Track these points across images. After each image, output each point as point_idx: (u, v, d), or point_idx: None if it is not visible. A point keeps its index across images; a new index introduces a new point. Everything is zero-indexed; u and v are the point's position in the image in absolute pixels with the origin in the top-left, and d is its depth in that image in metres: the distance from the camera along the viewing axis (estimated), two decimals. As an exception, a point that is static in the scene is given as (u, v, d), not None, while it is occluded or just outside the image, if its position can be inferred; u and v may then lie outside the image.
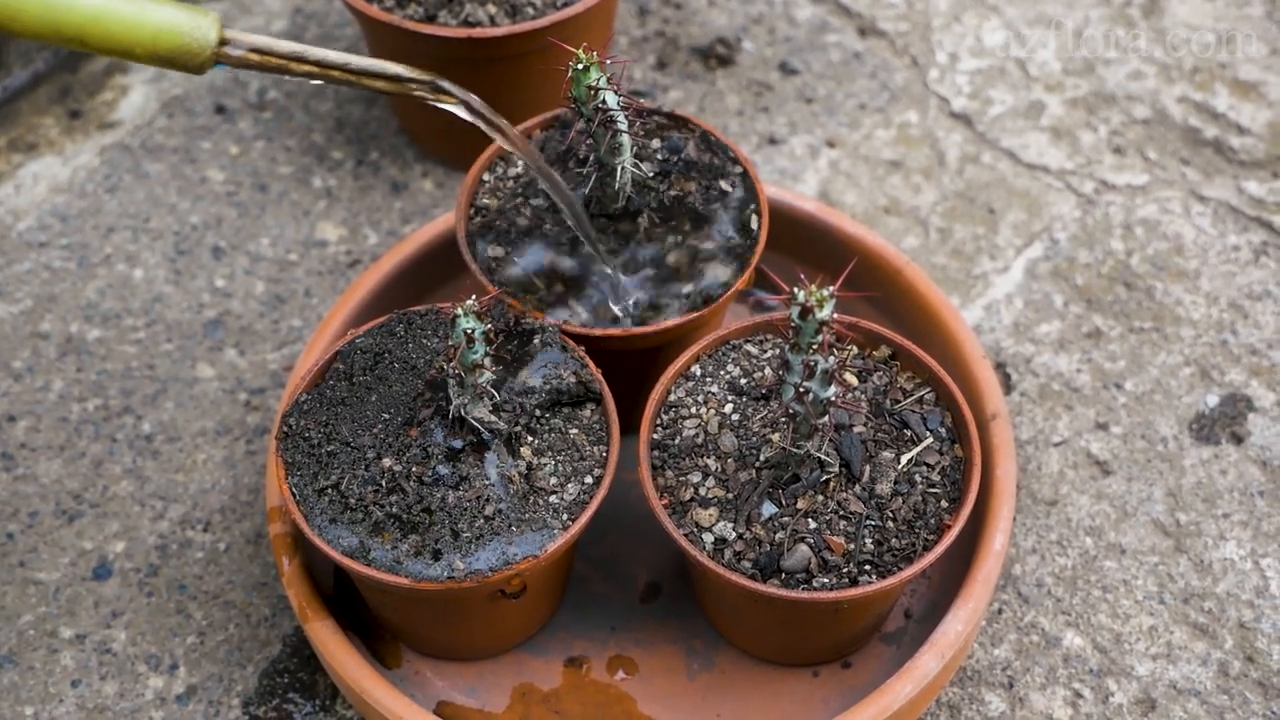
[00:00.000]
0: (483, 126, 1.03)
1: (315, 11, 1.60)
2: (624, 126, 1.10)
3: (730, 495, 1.06)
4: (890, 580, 1.02)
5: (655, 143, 1.19)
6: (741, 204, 1.18)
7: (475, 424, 1.04)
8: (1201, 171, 1.44)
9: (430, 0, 1.34)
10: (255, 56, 0.96)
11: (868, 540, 1.03)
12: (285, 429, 1.08)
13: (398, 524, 1.02)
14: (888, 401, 1.09)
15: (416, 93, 1.00)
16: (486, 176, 1.22)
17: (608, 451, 1.08)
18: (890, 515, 1.04)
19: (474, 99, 1.00)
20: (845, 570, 1.03)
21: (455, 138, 1.43)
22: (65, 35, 0.90)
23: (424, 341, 1.11)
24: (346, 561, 1.02)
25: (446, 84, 1.00)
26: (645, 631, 1.16)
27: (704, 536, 1.05)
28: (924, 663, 1.05)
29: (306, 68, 0.98)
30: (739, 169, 1.20)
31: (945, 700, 1.14)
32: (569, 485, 1.06)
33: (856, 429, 1.06)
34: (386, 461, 1.04)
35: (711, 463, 1.07)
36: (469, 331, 0.99)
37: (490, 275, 1.15)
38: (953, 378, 1.13)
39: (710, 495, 1.06)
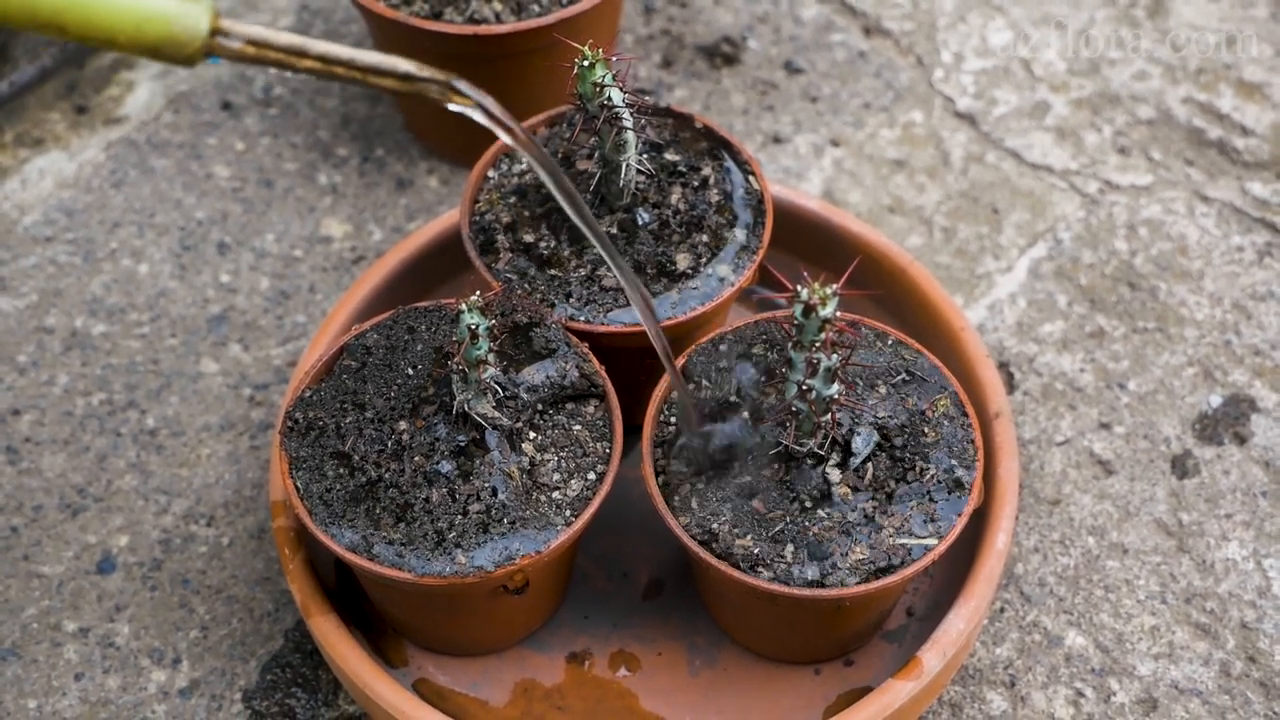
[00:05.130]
0: (498, 131, 0.95)
1: (321, 8, 1.60)
2: (629, 124, 1.10)
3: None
4: (892, 578, 1.02)
5: (658, 140, 1.19)
6: (745, 202, 1.18)
7: (478, 419, 1.04)
8: (1206, 172, 1.44)
9: (436, -3, 1.34)
10: (251, 49, 0.87)
11: (870, 538, 1.04)
12: (289, 424, 1.08)
13: (398, 513, 1.02)
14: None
15: (428, 93, 0.90)
16: (491, 173, 1.22)
17: (611, 448, 1.08)
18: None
19: (489, 101, 0.92)
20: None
21: (460, 135, 1.44)
22: (41, 20, 0.82)
23: (428, 337, 1.11)
24: (349, 556, 1.02)
25: (461, 84, 0.91)
26: (648, 628, 1.16)
27: (706, 533, 1.05)
28: (926, 661, 1.05)
29: (309, 63, 0.88)
30: (743, 167, 1.20)
31: (947, 699, 1.14)
32: (572, 481, 1.06)
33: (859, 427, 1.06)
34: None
35: (714, 460, 1.07)
36: (473, 327, 1.00)
37: (494, 271, 1.15)
38: (956, 377, 1.13)
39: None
